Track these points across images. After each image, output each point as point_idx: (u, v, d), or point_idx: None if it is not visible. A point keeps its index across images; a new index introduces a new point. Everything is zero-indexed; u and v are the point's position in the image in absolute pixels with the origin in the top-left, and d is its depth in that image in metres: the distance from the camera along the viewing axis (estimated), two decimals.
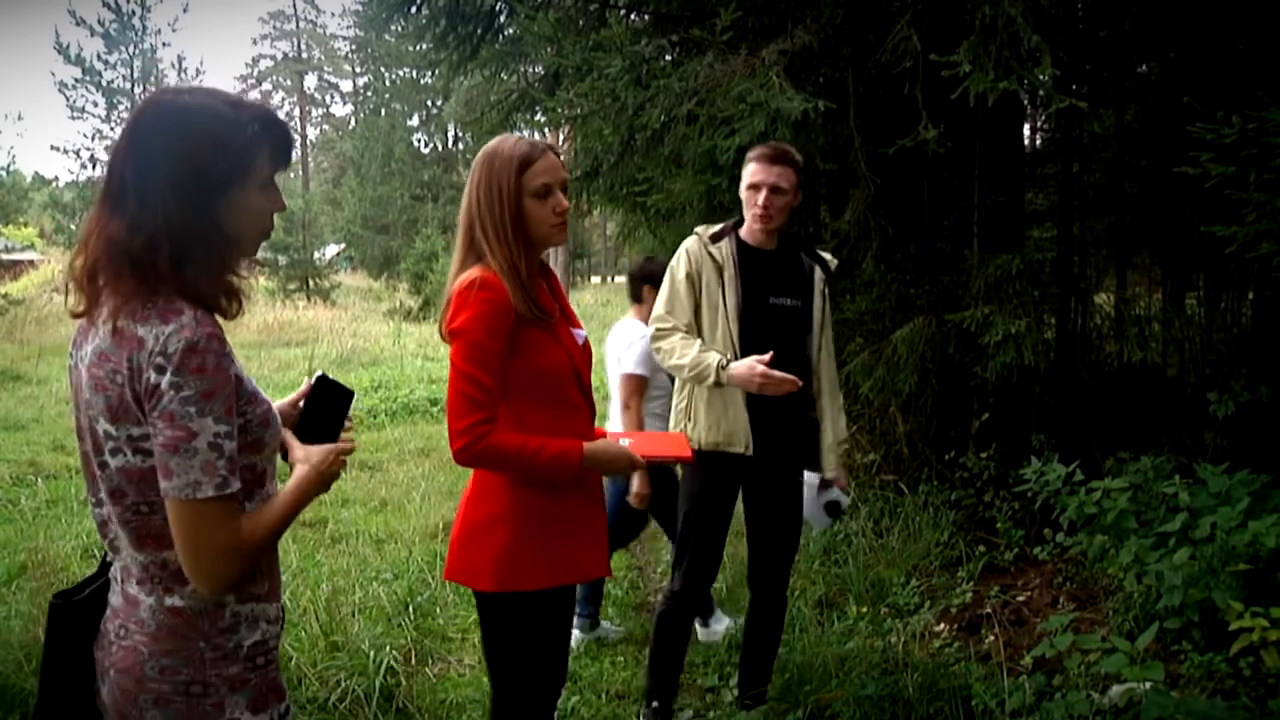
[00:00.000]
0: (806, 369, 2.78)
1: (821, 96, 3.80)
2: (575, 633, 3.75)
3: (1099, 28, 4.28)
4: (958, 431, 4.87)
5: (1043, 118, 5.94)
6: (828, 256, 2.91)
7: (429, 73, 27.89)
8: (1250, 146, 2.99)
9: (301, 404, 1.58)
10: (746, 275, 2.73)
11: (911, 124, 3.79)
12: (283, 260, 24.00)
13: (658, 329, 2.76)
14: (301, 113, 52.92)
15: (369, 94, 44.04)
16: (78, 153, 21.65)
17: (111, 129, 21.07)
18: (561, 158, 1.99)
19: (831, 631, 3.58)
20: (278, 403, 1.63)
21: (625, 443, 2.07)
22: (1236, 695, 2.54)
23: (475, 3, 5.59)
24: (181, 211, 1.24)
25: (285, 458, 1.49)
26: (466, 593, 3.54)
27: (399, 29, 6.95)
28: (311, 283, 24.31)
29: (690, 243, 2.79)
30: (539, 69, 5.61)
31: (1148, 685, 2.54)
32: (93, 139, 21.47)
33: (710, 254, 2.74)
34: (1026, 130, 6.02)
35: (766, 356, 2.53)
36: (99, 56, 21.62)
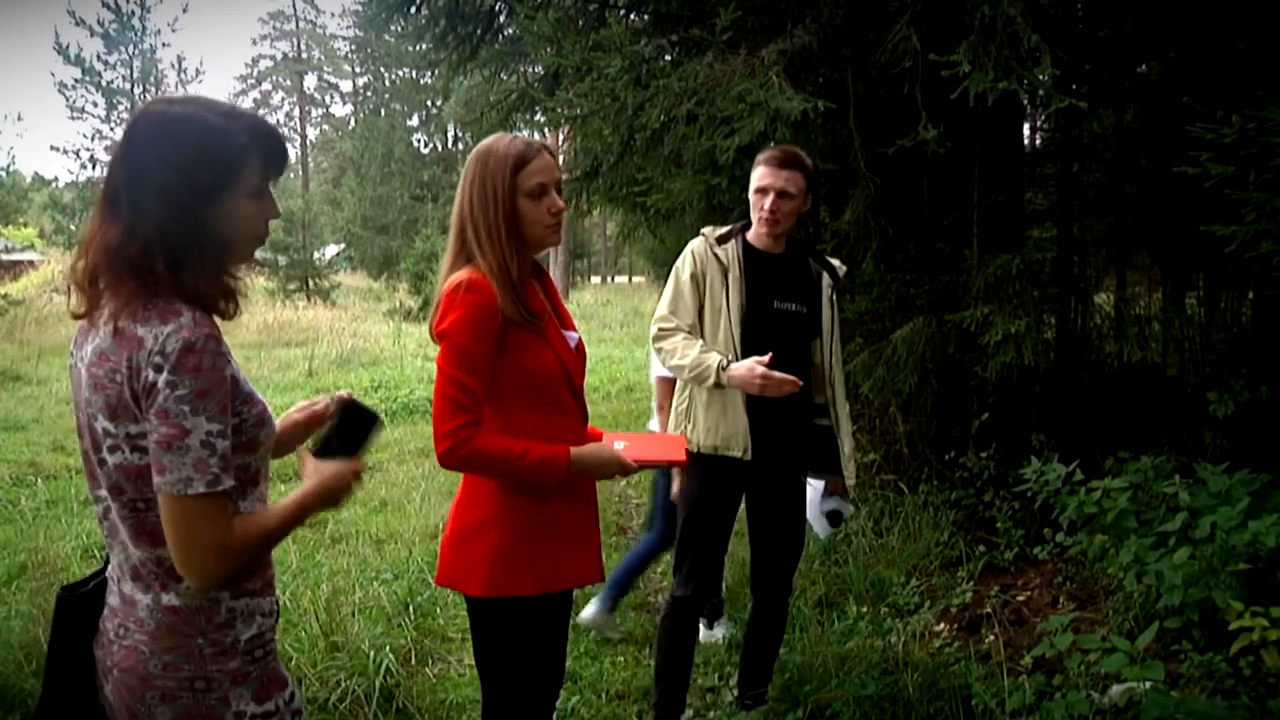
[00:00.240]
0: (809, 374, 2.77)
1: (821, 96, 3.81)
2: (592, 607, 3.77)
3: (1099, 28, 4.29)
4: (958, 431, 4.87)
5: (1043, 118, 5.94)
6: (836, 263, 2.88)
7: (429, 73, 27.88)
8: (1250, 146, 2.99)
9: (327, 425, 1.61)
10: (751, 278, 2.71)
11: (911, 124, 3.79)
12: (283, 260, 24.00)
13: (660, 329, 2.75)
14: (301, 113, 52.95)
15: (369, 94, 44.08)
16: (78, 153, 21.68)
17: (111, 129, 21.09)
18: (557, 158, 1.97)
19: (831, 631, 3.58)
20: (290, 412, 1.67)
21: (619, 445, 2.04)
22: (1236, 695, 2.54)
23: (475, 3, 5.59)
24: (172, 219, 1.28)
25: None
26: None
27: (399, 29, 6.95)
28: (311, 283, 24.31)
29: (696, 244, 2.77)
30: (539, 69, 5.62)
31: (1148, 685, 2.54)
32: (93, 139, 21.50)
33: (716, 255, 2.72)
34: (1026, 130, 6.03)
35: (766, 357, 2.52)
36: (99, 57, 21.63)
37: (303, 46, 52.75)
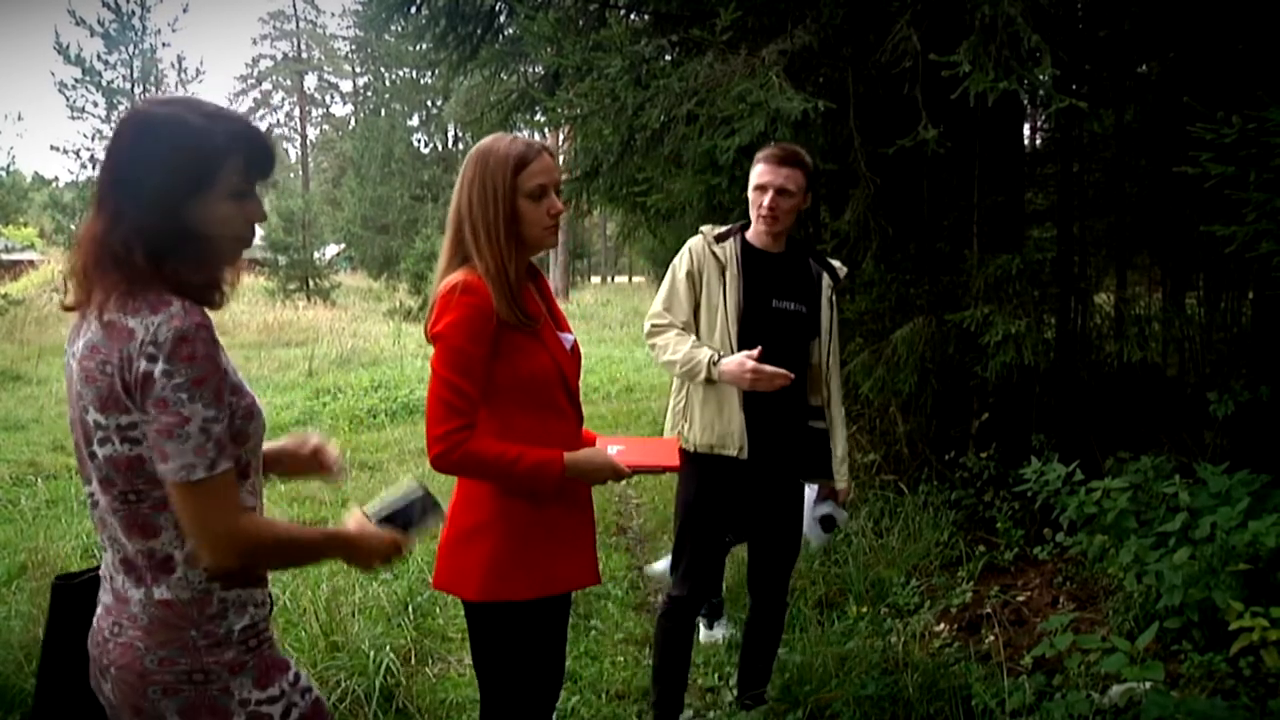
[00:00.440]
0: (807, 375, 2.76)
1: (821, 96, 3.80)
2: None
3: (1099, 28, 4.29)
4: (958, 431, 4.87)
5: (1043, 118, 5.94)
6: (837, 264, 2.86)
7: (429, 73, 27.89)
8: (1250, 146, 2.99)
9: (394, 498, 1.65)
10: (749, 277, 2.70)
11: (911, 124, 3.79)
12: (283, 260, 23.99)
13: (653, 325, 2.75)
14: (301, 113, 52.96)
15: (369, 94, 44.08)
16: (78, 153, 21.68)
17: (111, 129, 21.08)
18: (556, 159, 1.96)
19: (831, 631, 3.58)
20: (285, 441, 1.69)
21: (614, 449, 2.03)
22: (1236, 695, 2.54)
23: (475, 3, 5.59)
24: (150, 215, 1.31)
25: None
26: None
27: (399, 29, 6.95)
28: (311, 283, 24.29)
29: (695, 241, 2.76)
30: (539, 69, 5.61)
31: (1148, 685, 2.54)
32: (93, 139, 21.52)
33: (714, 253, 2.71)
34: (1026, 130, 6.03)
35: (755, 352, 2.51)
36: (99, 56, 21.63)
37: (303, 46, 52.76)
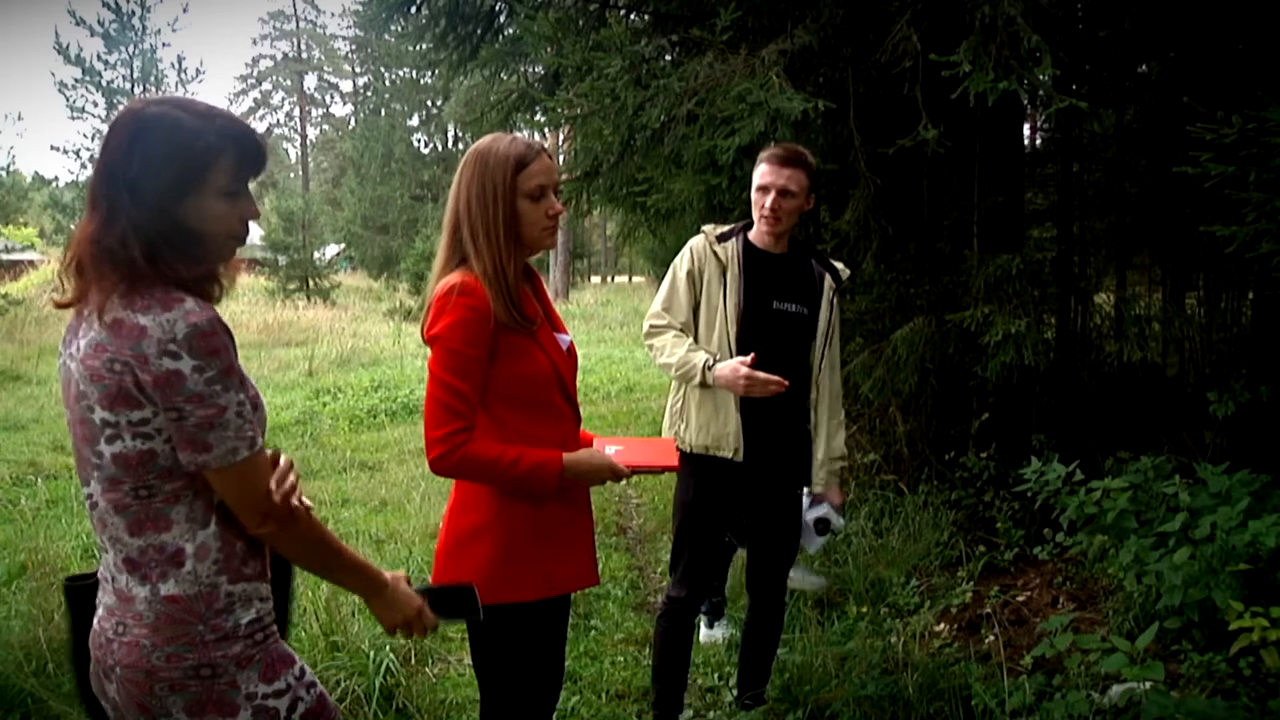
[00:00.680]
0: (808, 378, 2.75)
1: (821, 96, 3.80)
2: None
3: (1099, 28, 4.28)
4: (958, 431, 4.87)
5: (1043, 118, 5.94)
6: (840, 266, 2.85)
7: (429, 73, 27.89)
8: (1250, 146, 2.99)
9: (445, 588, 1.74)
10: (750, 278, 2.68)
11: (911, 124, 3.79)
12: (283, 260, 23.98)
13: (651, 326, 2.74)
14: (301, 113, 52.96)
15: (369, 94, 44.03)
16: (78, 153, 21.67)
17: None
18: (555, 160, 1.96)
19: (831, 631, 3.58)
20: None
21: (612, 450, 2.03)
22: (1236, 695, 2.54)
23: (475, 3, 5.59)
24: (141, 214, 1.32)
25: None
26: None
27: (399, 29, 6.95)
28: (311, 283, 24.28)
29: (696, 241, 2.75)
30: (539, 69, 5.62)
31: (1148, 685, 2.54)
32: (93, 139, 21.48)
33: (715, 253, 2.70)
34: (1026, 130, 6.03)
35: (749, 358, 2.50)
36: (99, 56, 21.62)
37: (303, 46, 52.76)
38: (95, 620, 1.42)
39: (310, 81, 53.45)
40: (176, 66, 22.39)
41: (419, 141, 37.37)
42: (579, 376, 2.09)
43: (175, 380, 1.27)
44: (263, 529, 1.38)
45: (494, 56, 5.65)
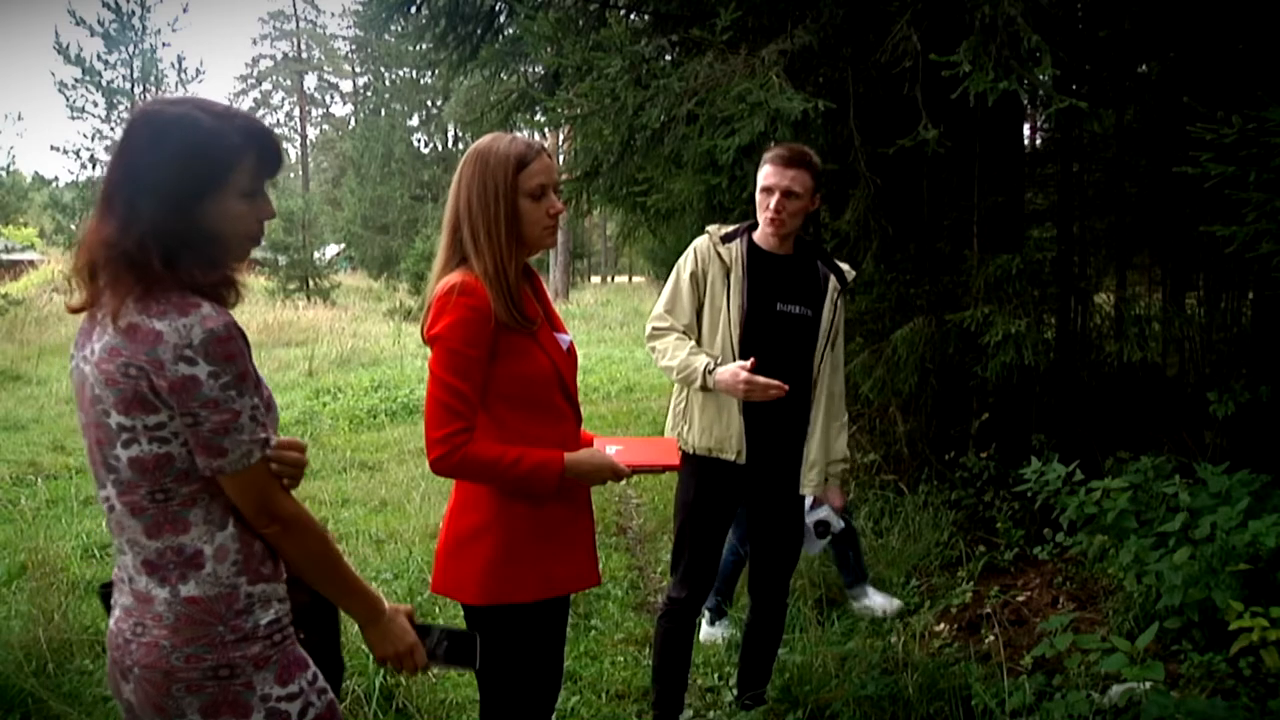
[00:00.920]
0: (811, 380, 2.75)
1: (821, 96, 3.80)
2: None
3: (1099, 28, 4.28)
4: (958, 431, 4.87)
5: (1043, 118, 5.94)
6: (845, 267, 2.83)
7: (429, 73, 27.88)
8: (1250, 146, 2.99)
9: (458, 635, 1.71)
10: (754, 279, 2.67)
11: (911, 124, 3.79)
12: (283, 260, 23.96)
13: (654, 328, 2.73)
14: (301, 113, 52.95)
15: (369, 94, 44.01)
16: (78, 153, 21.65)
17: (111, 129, 21.07)
18: (554, 159, 1.96)
19: (831, 631, 3.59)
20: None
21: (613, 449, 2.02)
22: (1236, 695, 2.54)
23: (475, 3, 5.59)
24: (163, 216, 1.31)
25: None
26: None
27: (399, 29, 6.95)
28: (311, 283, 24.27)
29: (700, 242, 2.73)
30: (539, 69, 5.61)
31: (1148, 685, 2.54)
32: (93, 139, 21.48)
33: (719, 254, 2.68)
34: (1026, 130, 6.03)
35: (749, 362, 2.49)
36: (99, 56, 21.60)
37: (303, 46, 52.75)
38: (112, 621, 1.41)
39: (310, 81, 53.46)
40: (176, 66, 22.40)
41: (419, 141, 37.35)
42: (579, 376, 2.09)
43: (191, 386, 1.27)
44: (269, 530, 1.38)
45: (494, 56, 5.64)
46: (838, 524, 2.96)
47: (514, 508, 1.90)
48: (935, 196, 5.04)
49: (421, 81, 35.54)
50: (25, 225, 28.34)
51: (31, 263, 24.19)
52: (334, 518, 5.47)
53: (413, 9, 5.84)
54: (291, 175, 51.24)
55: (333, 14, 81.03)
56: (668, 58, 4.59)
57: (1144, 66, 4.92)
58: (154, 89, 21.04)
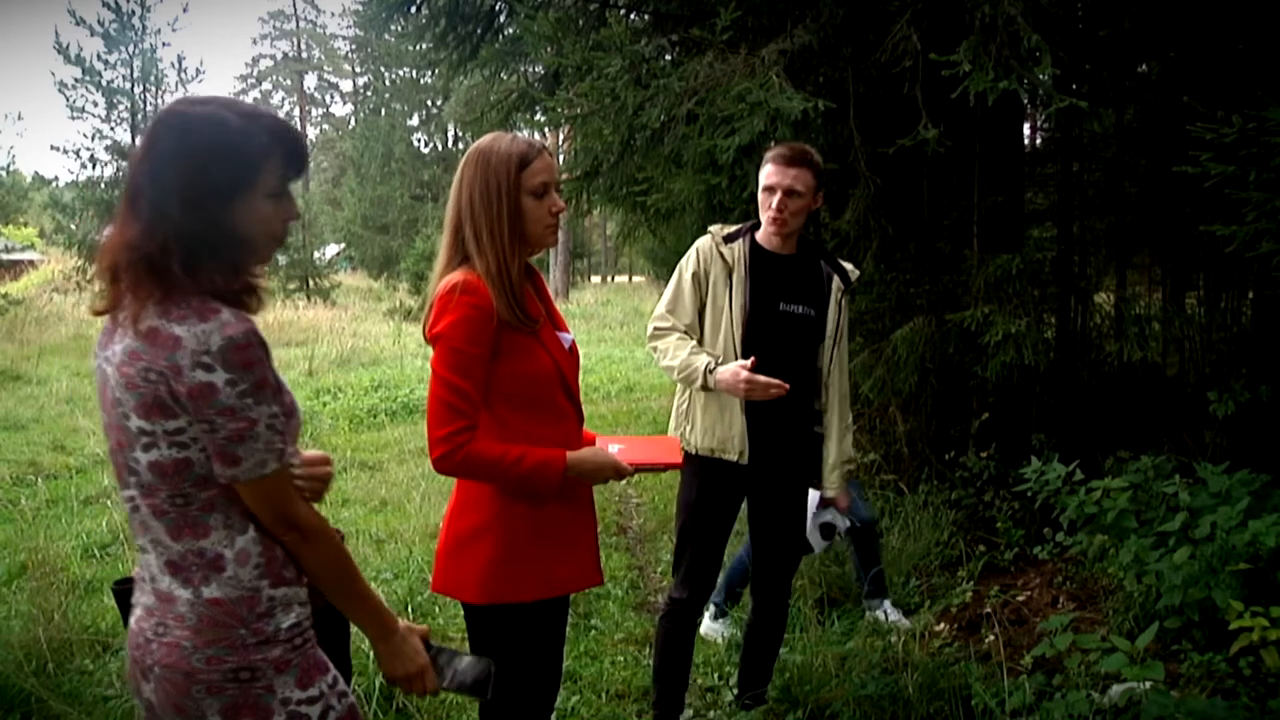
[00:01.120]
0: (815, 380, 2.74)
1: (821, 96, 3.80)
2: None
3: (1099, 27, 4.28)
4: (958, 431, 4.87)
5: (1043, 117, 5.95)
6: (849, 266, 2.82)
7: (429, 73, 27.88)
8: (1250, 146, 2.99)
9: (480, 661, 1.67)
10: (757, 279, 2.66)
11: (911, 124, 3.79)
12: (283, 260, 23.94)
13: (655, 328, 2.72)
14: (301, 113, 52.90)
15: (369, 94, 44.01)
16: (78, 153, 21.59)
17: (111, 129, 21.02)
18: (555, 158, 1.96)
19: (831, 631, 3.58)
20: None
21: (615, 448, 2.02)
22: (1236, 695, 2.54)
23: (475, 3, 5.59)
24: (189, 219, 1.29)
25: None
26: None
27: (399, 29, 6.96)
28: (311, 283, 24.29)
29: (703, 242, 2.72)
30: (539, 69, 5.61)
31: (1148, 685, 2.54)
32: (93, 139, 21.41)
33: (721, 254, 2.67)
34: (1026, 130, 6.03)
35: (749, 362, 2.48)
36: (99, 56, 21.54)
37: (303, 46, 52.74)
38: (133, 620, 1.41)
39: (310, 81, 53.46)
40: (176, 66, 22.32)
41: (419, 141, 37.35)
42: (579, 376, 2.09)
43: (208, 393, 1.26)
44: (286, 537, 1.38)
45: (494, 56, 5.64)
46: (843, 525, 2.96)
47: (514, 507, 1.89)
48: (935, 196, 5.04)
49: (421, 81, 35.56)
50: (25, 225, 28.34)
51: (31, 263, 24.20)
52: (334, 517, 5.46)
53: (413, 9, 5.84)
54: None
55: (333, 14, 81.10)
56: (668, 57, 4.59)
57: (1144, 66, 4.92)
58: (154, 89, 21.01)
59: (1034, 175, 5.69)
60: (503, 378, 1.85)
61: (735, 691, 3.06)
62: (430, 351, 1.86)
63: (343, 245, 35.13)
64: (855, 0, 4.16)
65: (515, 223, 1.85)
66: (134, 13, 21.21)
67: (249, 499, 1.34)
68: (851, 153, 4.30)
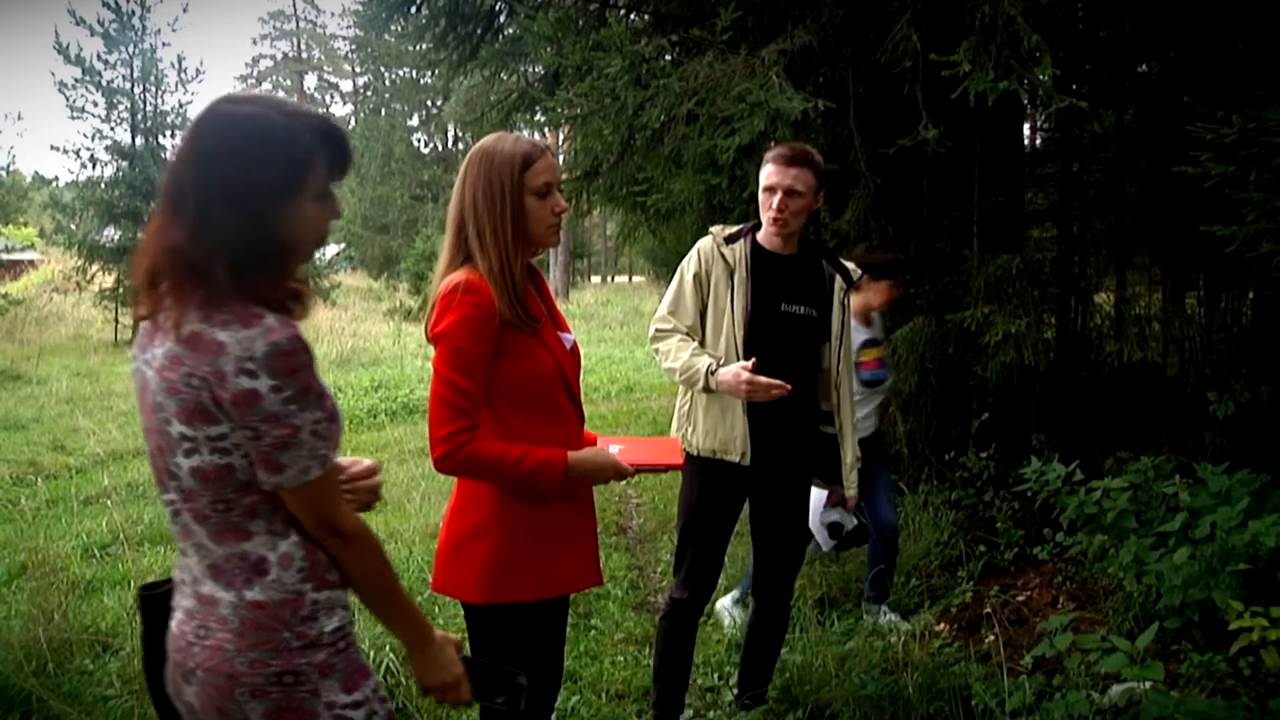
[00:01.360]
0: (817, 380, 2.73)
1: (821, 96, 3.81)
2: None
3: (1099, 28, 4.28)
4: (958, 431, 4.87)
5: (1043, 118, 5.94)
6: (850, 265, 2.81)
7: (429, 73, 27.89)
8: (1250, 146, 2.99)
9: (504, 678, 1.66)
10: (758, 280, 2.65)
11: (911, 124, 3.79)
12: None
13: (657, 330, 2.71)
14: None
15: (369, 94, 44.02)
16: (78, 153, 21.57)
17: (111, 129, 21.00)
18: (557, 158, 1.97)
19: (831, 631, 3.58)
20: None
21: (616, 449, 2.02)
22: (1236, 695, 2.54)
23: (475, 3, 5.59)
24: (238, 223, 1.26)
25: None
26: None
27: (399, 29, 6.96)
28: (311, 283, 24.19)
29: (704, 242, 2.72)
30: (539, 69, 5.61)
31: (1148, 685, 2.54)
32: (93, 139, 21.39)
33: (722, 255, 2.66)
34: (1026, 130, 6.03)
35: (750, 363, 2.48)
36: (99, 56, 21.52)
37: (303, 46, 52.76)
38: (174, 623, 1.39)
39: (310, 81, 53.45)
40: (176, 66, 22.31)
41: (419, 141, 37.39)
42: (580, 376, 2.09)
43: (252, 399, 1.24)
44: (328, 542, 1.37)
45: (494, 56, 5.64)
46: (850, 523, 2.96)
47: (514, 507, 1.90)
48: (935, 196, 5.04)
49: (421, 81, 35.57)
50: (25, 225, 28.36)
51: (31, 263, 24.19)
52: None
53: (413, 9, 5.84)
54: None
55: (333, 14, 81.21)
56: (668, 58, 4.59)
57: (1144, 66, 4.92)
58: (154, 89, 21.00)
59: (1034, 175, 5.69)
60: (504, 377, 1.85)
61: (735, 691, 3.06)
62: (432, 351, 1.86)
63: (343, 245, 35.13)
64: (855, 0, 4.16)
65: (518, 222, 1.86)
66: (134, 13, 21.20)
67: (292, 504, 1.33)
68: (851, 153, 4.30)
